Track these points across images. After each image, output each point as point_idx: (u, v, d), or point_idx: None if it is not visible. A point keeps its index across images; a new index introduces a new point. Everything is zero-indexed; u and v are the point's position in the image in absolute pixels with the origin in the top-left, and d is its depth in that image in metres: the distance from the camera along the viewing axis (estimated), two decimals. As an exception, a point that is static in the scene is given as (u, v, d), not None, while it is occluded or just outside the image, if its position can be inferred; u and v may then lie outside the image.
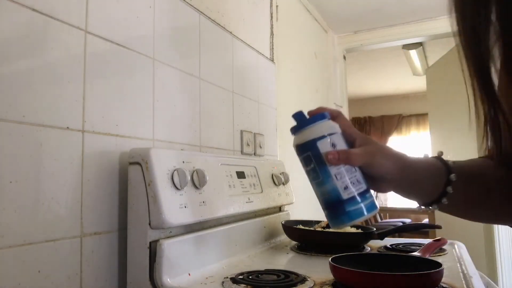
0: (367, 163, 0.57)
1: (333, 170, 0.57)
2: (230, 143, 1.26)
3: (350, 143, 0.60)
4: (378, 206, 0.59)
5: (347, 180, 0.57)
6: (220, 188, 0.96)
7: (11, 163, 0.62)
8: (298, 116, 0.61)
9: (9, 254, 0.61)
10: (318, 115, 0.59)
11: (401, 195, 0.61)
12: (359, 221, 0.57)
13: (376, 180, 0.60)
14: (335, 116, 0.61)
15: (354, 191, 0.57)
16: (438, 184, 0.58)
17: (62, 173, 0.70)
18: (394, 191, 0.61)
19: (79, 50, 0.75)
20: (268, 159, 1.44)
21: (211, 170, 0.94)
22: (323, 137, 0.58)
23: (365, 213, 0.57)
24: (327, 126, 0.59)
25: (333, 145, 0.58)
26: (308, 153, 0.59)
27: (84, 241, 0.74)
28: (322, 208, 0.60)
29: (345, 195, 0.56)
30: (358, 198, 0.57)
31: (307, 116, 0.61)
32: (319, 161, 0.58)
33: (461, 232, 2.73)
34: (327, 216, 0.60)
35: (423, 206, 0.61)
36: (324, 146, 0.57)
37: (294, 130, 0.61)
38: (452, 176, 0.57)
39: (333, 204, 0.57)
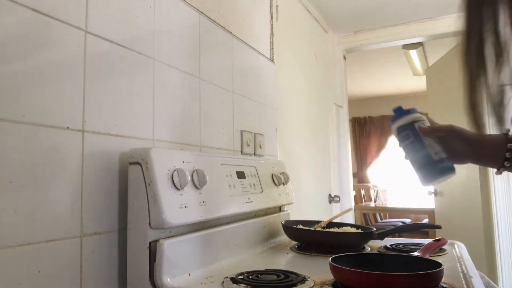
0: (445, 135, 0.79)
1: (426, 141, 0.80)
2: (230, 143, 1.26)
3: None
4: (454, 169, 0.81)
5: (436, 148, 0.80)
6: (220, 188, 0.96)
7: (11, 163, 0.62)
8: (398, 109, 0.86)
9: (9, 254, 0.61)
10: (412, 108, 0.85)
11: (473, 163, 0.81)
12: (448, 177, 0.80)
13: (451, 154, 0.80)
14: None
15: (441, 155, 0.79)
16: (501, 152, 0.74)
17: (62, 173, 0.70)
18: (465, 162, 0.80)
19: (79, 50, 0.75)
20: (268, 159, 1.44)
21: (211, 170, 0.94)
22: (418, 120, 0.83)
23: (452, 169, 0.80)
24: (419, 115, 0.84)
25: (424, 123, 0.83)
26: (408, 131, 0.83)
27: (84, 241, 0.74)
28: (416, 170, 0.82)
29: (436, 157, 0.79)
30: (445, 160, 0.79)
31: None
32: (416, 135, 0.81)
33: (461, 232, 2.73)
34: (422, 175, 0.82)
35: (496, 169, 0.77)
36: (419, 125, 0.82)
37: (396, 118, 0.86)
38: (510, 145, 0.73)
39: (427, 164, 0.80)
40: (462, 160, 0.80)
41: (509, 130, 0.73)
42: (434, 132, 0.81)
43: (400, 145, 0.85)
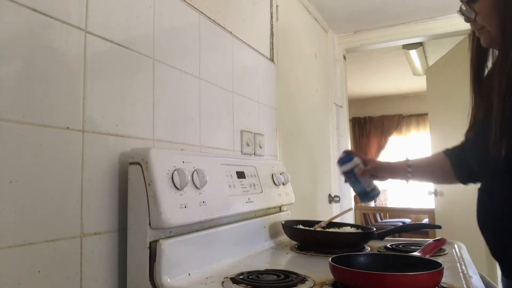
0: (372, 171, 1.17)
1: (362, 179, 1.17)
2: (230, 143, 1.26)
3: (365, 164, 1.18)
4: (380, 192, 1.22)
5: (368, 182, 1.18)
6: (220, 188, 0.96)
7: (11, 163, 0.62)
8: (343, 158, 1.19)
9: (9, 254, 0.61)
10: (351, 155, 1.18)
11: (391, 178, 1.19)
12: (375, 198, 1.30)
13: (377, 177, 1.19)
14: (355, 152, 1.21)
15: (371, 186, 1.18)
16: (405, 171, 1.14)
17: (62, 173, 0.70)
18: (386, 179, 1.20)
19: (79, 50, 0.75)
20: (268, 159, 1.44)
21: (211, 170, 0.94)
22: (356, 166, 1.17)
23: (378, 194, 1.20)
24: (358, 161, 1.17)
25: (360, 168, 1.17)
26: (350, 174, 1.17)
27: (84, 241, 0.74)
28: (356, 194, 1.21)
29: (368, 189, 1.17)
30: (374, 189, 1.19)
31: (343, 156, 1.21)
32: (355, 176, 1.17)
33: (461, 232, 2.72)
34: (359, 198, 1.21)
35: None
36: (356, 170, 1.17)
37: (342, 163, 1.19)
38: (409, 169, 1.13)
39: (363, 193, 1.18)
40: (384, 179, 1.19)
41: (407, 158, 1.15)
42: (365, 172, 1.16)
43: (345, 181, 1.21)
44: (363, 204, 5.46)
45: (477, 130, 0.87)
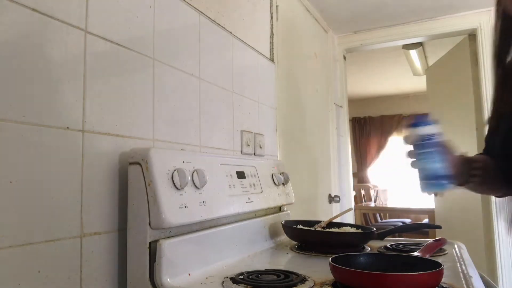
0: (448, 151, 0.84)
1: (441, 156, 0.81)
2: (230, 143, 1.26)
3: None
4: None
5: (445, 163, 0.82)
6: (220, 188, 0.96)
7: (11, 163, 0.62)
8: (427, 117, 0.84)
9: (9, 254, 0.61)
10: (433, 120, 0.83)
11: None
12: (444, 191, 0.83)
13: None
14: None
15: (446, 172, 0.82)
16: (468, 171, 0.85)
17: (62, 173, 0.70)
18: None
19: (79, 50, 0.75)
20: (268, 159, 1.44)
21: (211, 170, 0.94)
22: (438, 134, 0.82)
23: (449, 187, 0.82)
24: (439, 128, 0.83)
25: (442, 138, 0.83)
26: (431, 141, 0.82)
27: (84, 241, 0.74)
28: (423, 178, 0.83)
29: (444, 172, 0.81)
30: (446, 177, 0.82)
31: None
32: (436, 148, 0.82)
33: (461, 232, 2.73)
34: (425, 184, 0.83)
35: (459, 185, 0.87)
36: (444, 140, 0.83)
37: (423, 124, 0.83)
38: (479, 164, 0.84)
39: (436, 177, 0.82)
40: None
41: (467, 153, 0.87)
42: (448, 146, 0.83)
43: (415, 150, 0.83)
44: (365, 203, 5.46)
45: (506, 124, 0.78)
